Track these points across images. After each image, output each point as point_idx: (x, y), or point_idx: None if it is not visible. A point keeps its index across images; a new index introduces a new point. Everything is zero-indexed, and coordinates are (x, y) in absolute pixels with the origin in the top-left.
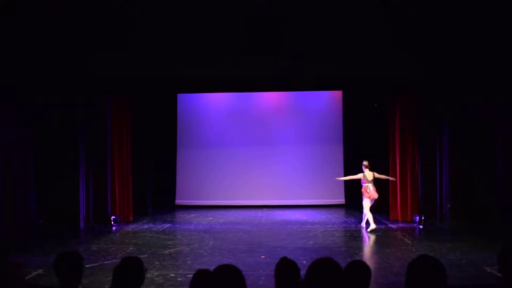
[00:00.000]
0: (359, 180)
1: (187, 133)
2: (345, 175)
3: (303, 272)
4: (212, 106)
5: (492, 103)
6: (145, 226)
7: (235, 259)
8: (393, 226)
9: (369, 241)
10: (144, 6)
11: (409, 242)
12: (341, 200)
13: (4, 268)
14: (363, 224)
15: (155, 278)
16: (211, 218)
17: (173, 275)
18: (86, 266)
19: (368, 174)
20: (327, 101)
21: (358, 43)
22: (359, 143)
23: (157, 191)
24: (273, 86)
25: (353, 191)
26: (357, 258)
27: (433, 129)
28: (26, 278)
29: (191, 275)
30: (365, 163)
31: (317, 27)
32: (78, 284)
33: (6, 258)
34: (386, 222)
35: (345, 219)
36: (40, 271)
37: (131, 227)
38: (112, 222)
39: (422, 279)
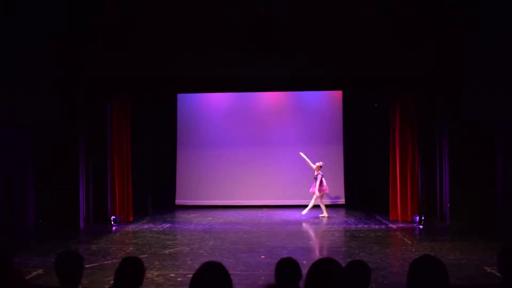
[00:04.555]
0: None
1: (187, 133)
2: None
3: (303, 272)
4: (212, 106)
5: (492, 103)
6: (145, 226)
7: (235, 259)
8: (393, 226)
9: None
10: (144, 6)
11: (409, 242)
12: (341, 200)
13: (6, 269)
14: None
15: (155, 278)
16: (211, 218)
17: (173, 275)
18: (86, 266)
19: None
20: (327, 101)
21: (358, 43)
22: (359, 143)
23: (157, 191)
24: (273, 86)
25: (353, 191)
26: (357, 258)
27: (433, 129)
28: (26, 278)
29: (191, 275)
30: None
31: (317, 27)
32: (78, 284)
33: (9, 259)
34: (386, 222)
35: (345, 219)
36: (40, 271)
37: (131, 227)
38: (112, 222)
39: (424, 279)
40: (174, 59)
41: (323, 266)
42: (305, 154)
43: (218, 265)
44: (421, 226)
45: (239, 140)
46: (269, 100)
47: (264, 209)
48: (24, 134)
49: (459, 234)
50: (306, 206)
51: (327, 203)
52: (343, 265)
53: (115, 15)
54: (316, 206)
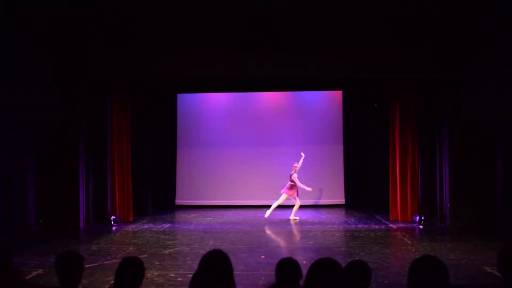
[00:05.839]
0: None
1: (187, 133)
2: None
3: (303, 272)
4: (212, 106)
5: (492, 103)
6: (145, 226)
7: (235, 259)
8: (393, 226)
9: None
10: (144, 6)
11: (409, 242)
12: (341, 200)
13: (6, 269)
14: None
15: (155, 278)
16: (211, 218)
17: (173, 275)
18: (86, 266)
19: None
20: (327, 101)
21: (358, 43)
22: (359, 143)
23: (157, 191)
24: (273, 86)
25: (353, 191)
26: (357, 258)
27: (433, 129)
28: (26, 278)
29: (191, 275)
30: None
31: (317, 27)
32: (78, 284)
33: (9, 259)
34: (386, 222)
35: (345, 219)
36: (40, 271)
37: (131, 227)
38: (112, 222)
39: (424, 279)
40: (174, 59)
41: (323, 266)
42: (305, 154)
43: (223, 253)
44: (421, 226)
45: (239, 140)
46: (269, 100)
47: (264, 209)
48: (24, 134)
49: (459, 234)
50: (305, 206)
51: (327, 203)
52: (343, 265)
53: (115, 15)
54: (288, 206)
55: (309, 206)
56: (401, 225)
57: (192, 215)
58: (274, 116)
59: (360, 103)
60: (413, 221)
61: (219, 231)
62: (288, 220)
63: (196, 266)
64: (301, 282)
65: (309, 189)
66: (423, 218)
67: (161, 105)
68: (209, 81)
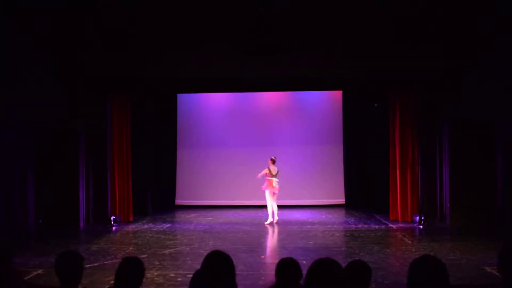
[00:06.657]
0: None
1: (187, 133)
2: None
3: (303, 272)
4: (212, 106)
5: (492, 103)
6: (145, 226)
7: (235, 259)
8: (393, 226)
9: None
10: (144, 6)
11: (409, 242)
12: (341, 200)
13: (6, 269)
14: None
15: (155, 278)
16: (211, 218)
17: (173, 275)
18: (86, 266)
19: (273, 169)
20: (327, 101)
21: (358, 43)
22: (359, 143)
23: (157, 191)
24: (273, 86)
25: (353, 191)
26: (357, 258)
27: (433, 129)
28: (26, 278)
29: (191, 275)
30: (272, 158)
31: (317, 27)
32: (78, 284)
33: (9, 259)
34: (386, 222)
35: (345, 219)
36: (40, 271)
37: (131, 227)
38: (112, 222)
39: (424, 279)
40: (174, 59)
41: (323, 266)
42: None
43: (225, 254)
44: (421, 226)
45: (239, 140)
46: (269, 100)
47: (264, 209)
48: (24, 134)
49: (459, 234)
50: (305, 206)
51: (327, 203)
52: (343, 265)
53: (115, 15)
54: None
55: (309, 206)
56: (401, 225)
57: (192, 215)
58: (274, 116)
59: (360, 103)
60: (413, 221)
61: (219, 231)
62: (288, 220)
63: (196, 266)
64: (301, 282)
65: (258, 176)
66: (423, 218)
67: (161, 105)
68: (209, 81)
